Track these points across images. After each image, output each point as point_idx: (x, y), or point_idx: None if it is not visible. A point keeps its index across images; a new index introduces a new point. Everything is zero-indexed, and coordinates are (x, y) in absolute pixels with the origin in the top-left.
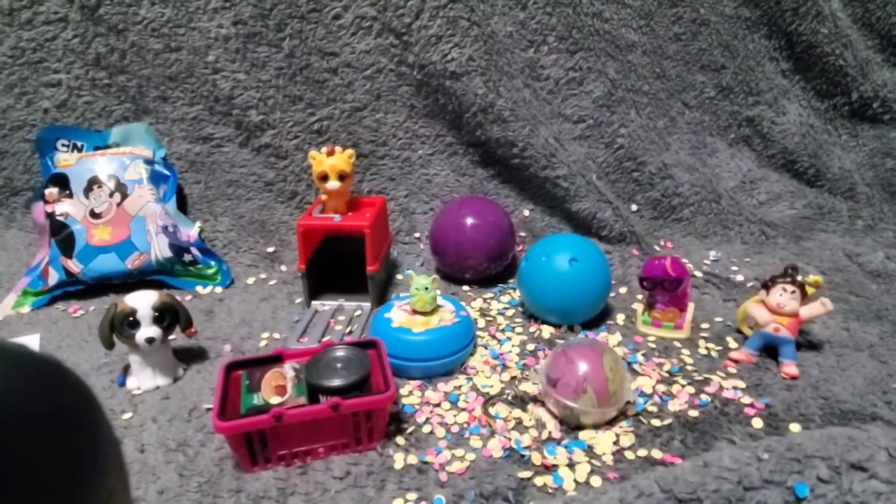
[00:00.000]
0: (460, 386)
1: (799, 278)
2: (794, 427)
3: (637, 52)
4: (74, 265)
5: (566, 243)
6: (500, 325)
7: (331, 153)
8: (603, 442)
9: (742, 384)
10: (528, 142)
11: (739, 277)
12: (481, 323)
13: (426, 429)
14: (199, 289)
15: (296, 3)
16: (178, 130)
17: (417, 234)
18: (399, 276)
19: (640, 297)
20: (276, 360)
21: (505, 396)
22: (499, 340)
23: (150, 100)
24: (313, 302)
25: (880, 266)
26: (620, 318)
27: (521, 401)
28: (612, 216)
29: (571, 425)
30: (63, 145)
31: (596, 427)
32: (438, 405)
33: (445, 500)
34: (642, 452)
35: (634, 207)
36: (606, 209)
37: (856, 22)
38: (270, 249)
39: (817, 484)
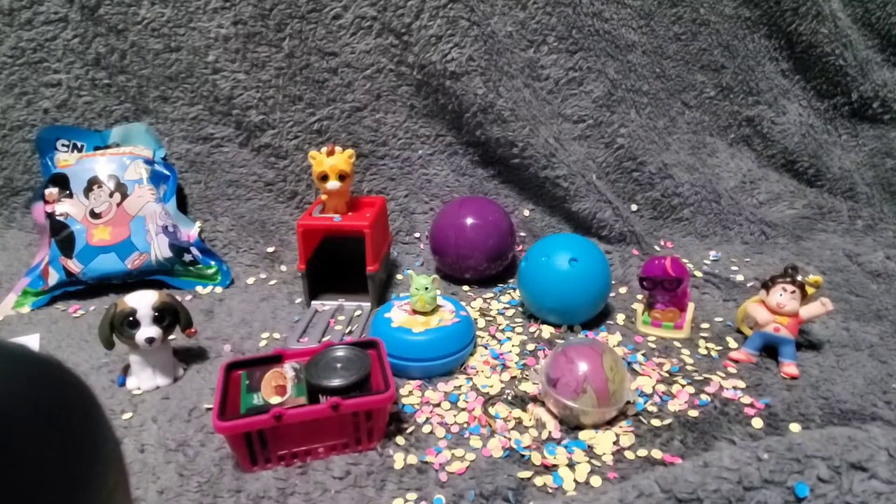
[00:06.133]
0: (460, 386)
1: (799, 278)
2: (794, 427)
3: (637, 52)
4: (74, 265)
5: (566, 243)
6: (500, 325)
7: (331, 153)
8: (603, 442)
9: (742, 384)
10: (528, 142)
11: (739, 277)
12: (481, 323)
13: (426, 429)
14: (199, 289)
15: (296, 3)
16: (178, 130)
17: (417, 234)
18: (399, 276)
19: (640, 297)
20: (276, 360)
21: (505, 396)
22: (499, 340)
23: (150, 100)
24: (313, 302)
25: (880, 266)
26: (620, 318)
27: (521, 401)
28: (612, 216)
29: (571, 425)
30: (63, 145)
31: (596, 427)
32: (438, 405)
33: (445, 500)
34: (642, 452)
35: (634, 207)
36: (606, 209)
37: (856, 22)
38: (270, 249)
39: (817, 484)
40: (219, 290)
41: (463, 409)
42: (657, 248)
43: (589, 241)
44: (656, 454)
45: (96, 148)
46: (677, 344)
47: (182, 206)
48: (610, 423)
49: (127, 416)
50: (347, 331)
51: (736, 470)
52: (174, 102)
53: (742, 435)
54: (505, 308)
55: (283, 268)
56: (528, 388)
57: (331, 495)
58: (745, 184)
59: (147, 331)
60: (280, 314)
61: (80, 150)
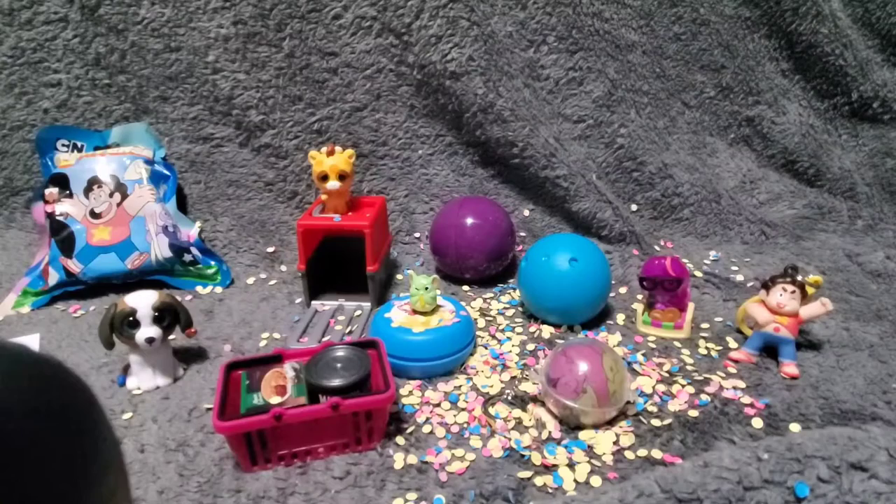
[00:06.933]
0: (460, 386)
1: (799, 278)
2: (794, 427)
3: (637, 52)
4: (74, 265)
5: (566, 243)
6: (500, 325)
7: (331, 153)
8: (603, 442)
9: (742, 384)
10: (528, 142)
11: (739, 277)
12: (481, 323)
13: (426, 429)
14: (199, 289)
15: (296, 3)
16: (178, 130)
17: (417, 234)
18: (399, 276)
19: (640, 297)
20: (276, 360)
21: (505, 396)
22: (499, 340)
23: (150, 100)
24: (313, 302)
25: (880, 266)
26: (620, 318)
27: (521, 401)
28: (612, 216)
29: (571, 425)
30: (63, 145)
31: (596, 427)
32: (438, 405)
33: (445, 500)
34: (642, 452)
35: (634, 207)
36: (606, 209)
37: (856, 22)
38: (270, 249)
39: (817, 484)
40: (219, 290)
41: (463, 409)
42: (657, 248)
43: (589, 241)
44: (656, 454)
45: (96, 148)
46: (677, 344)
47: (182, 206)
48: (610, 423)
49: (127, 416)
50: (347, 331)
51: (736, 470)
52: (174, 102)
53: (742, 435)
54: (505, 308)
55: (283, 268)
56: (528, 388)
57: (331, 495)
58: (745, 184)
59: (147, 331)
60: (280, 314)
61: (80, 150)
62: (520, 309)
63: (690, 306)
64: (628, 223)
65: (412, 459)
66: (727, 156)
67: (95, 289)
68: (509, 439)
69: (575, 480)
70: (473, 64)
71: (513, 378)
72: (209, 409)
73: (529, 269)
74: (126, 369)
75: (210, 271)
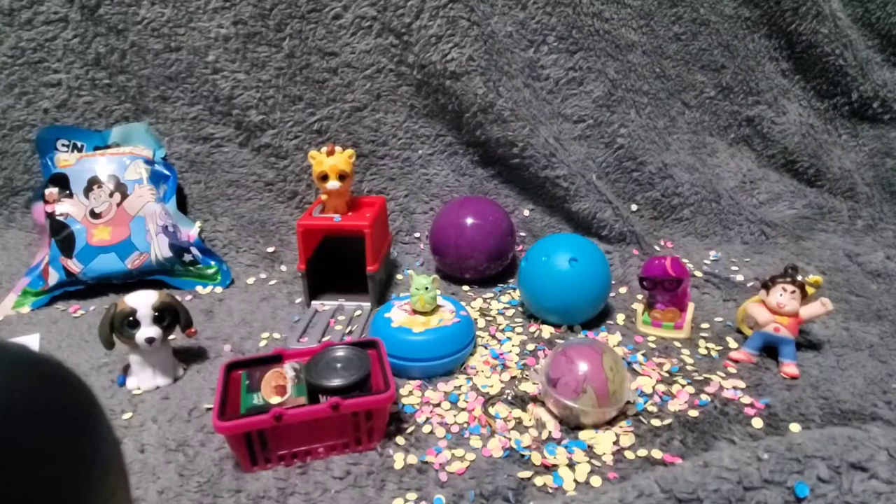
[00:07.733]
0: (460, 386)
1: (799, 278)
2: (794, 427)
3: (637, 52)
4: (74, 265)
5: (566, 243)
6: (500, 325)
7: (331, 153)
8: (603, 442)
9: (742, 384)
10: (528, 142)
11: (739, 277)
12: (481, 323)
13: (426, 429)
14: (199, 289)
15: (296, 3)
16: (178, 130)
17: (417, 234)
18: (399, 276)
19: (640, 297)
20: (276, 360)
21: (505, 396)
22: (499, 340)
23: (150, 100)
24: (313, 302)
25: (880, 266)
26: (620, 318)
27: (521, 401)
28: (612, 216)
29: (571, 425)
30: (63, 145)
31: (596, 427)
32: (438, 405)
33: (445, 500)
34: (642, 452)
35: (634, 207)
36: (606, 209)
37: (856, 22)
38: (270, 249)
39: (817, 484)
40: (219, 290)
41: (463, 409)
42: (657, 248)
43: (589, 241)
44: (656, 454)
45: (96, 148)
46: (677, 344)
47: (182, 206)
48: (610, 423)
49: (127, 416)
50: (347, 331)
51: (736, 470)
52: (174, 102)
53: (742, 435)
54: (505, 308)
55: (283, 268)
56: (528, 388)
57: (331, 495)
58: (745, 184)
59: (147, 331)
60: (280, 314)
61: (80, 150)
62: (520, 309)
63: (690, 306)
64: (628, 223)
65: (412, 459)
66: (727, 156)
67: (95, 289)
68: (509, 439)
69: (575, 480)
70: (473, 64)
71: (513, 378)
72: (209, 409)
73: (529, 269)
74: (126, 369)
75: (210, 271)
